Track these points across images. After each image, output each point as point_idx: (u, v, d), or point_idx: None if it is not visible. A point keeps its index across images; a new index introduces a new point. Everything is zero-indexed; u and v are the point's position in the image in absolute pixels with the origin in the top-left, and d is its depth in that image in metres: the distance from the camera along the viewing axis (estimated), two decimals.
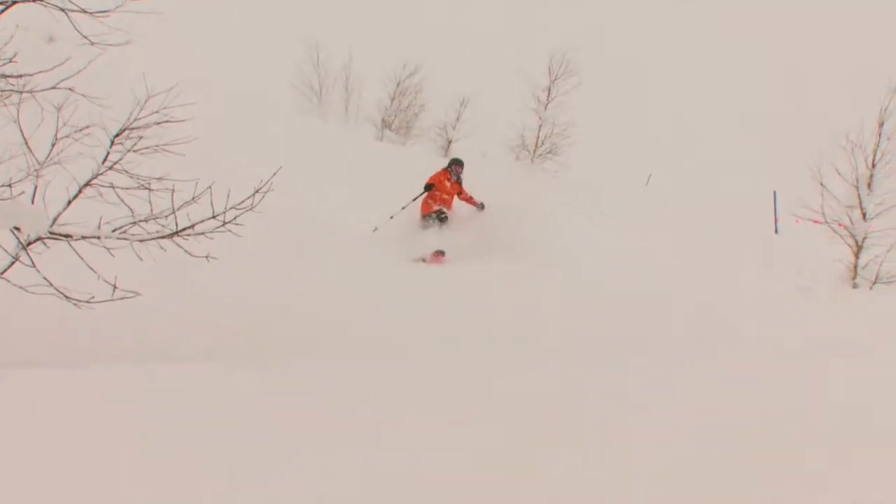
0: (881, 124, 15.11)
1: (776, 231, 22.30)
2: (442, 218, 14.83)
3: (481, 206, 15.30)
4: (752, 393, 5.20)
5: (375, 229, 13.93)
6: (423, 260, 13.77)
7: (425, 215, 14.93)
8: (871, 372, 6.03)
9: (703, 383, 5.61)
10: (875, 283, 14.30)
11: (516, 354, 7.67)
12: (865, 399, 5.02)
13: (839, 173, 15.09)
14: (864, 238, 14.72)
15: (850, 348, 7.95)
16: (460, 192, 15.46)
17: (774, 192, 22.99)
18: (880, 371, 6.13)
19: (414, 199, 14.87)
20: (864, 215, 14.77)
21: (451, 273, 12.62)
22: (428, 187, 14.84)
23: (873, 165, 14.95)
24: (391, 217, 14.26)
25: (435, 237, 14.37)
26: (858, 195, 14.85)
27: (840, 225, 14.92)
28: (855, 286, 14.58)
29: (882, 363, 6.58)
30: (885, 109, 15.15)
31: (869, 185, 14.86)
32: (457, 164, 15.67)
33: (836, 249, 14.95)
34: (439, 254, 13.98)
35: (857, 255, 14.78)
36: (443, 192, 15.11)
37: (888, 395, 5.26)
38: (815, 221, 15.16)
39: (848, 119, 15.35)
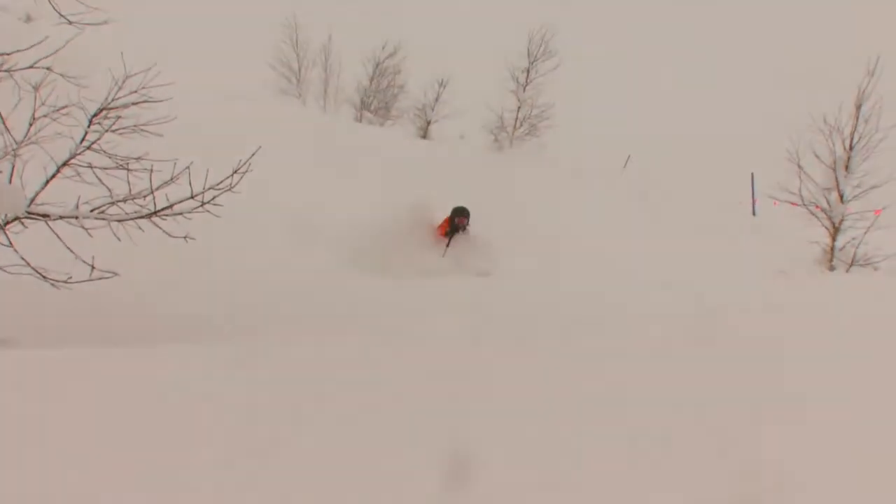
0: (858, 107, 15.21)
1: (753, 213, 22.48)
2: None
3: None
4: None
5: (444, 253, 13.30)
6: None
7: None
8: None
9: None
10: (852, 265, 14.43)
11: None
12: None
13: (817, 156, 15.19)
14: (842, 220, 14.84)
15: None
16: None
17: (752, 175, 23.16)
18: None
19: (447, 244, 13.61)
20: (841, 198, 14.87)
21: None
22: (455, 228, 13.59)
23: (851, 148, 15.04)
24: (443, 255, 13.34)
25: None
26: (836, 178, 14.95)
27: (817, 207, 15.02)
28: (832, 268, 14.71)
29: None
30: (864, 91, 15.25)
31: (846, 168, 14.96)
32: (461, 215, 13.72)
33: (813, 232, 15.08)
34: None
35: (833, 238, 14.90)
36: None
37: None
38: (793, 204, 15.26)
39: (825, 103, 15.47)
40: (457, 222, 13.65)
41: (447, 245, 13.52)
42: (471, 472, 3.35)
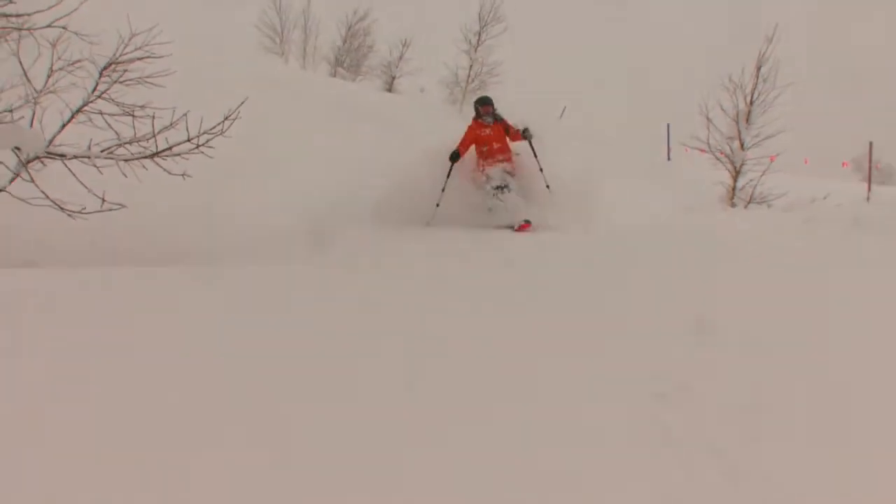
0: (759, 68, 15.49)
1: (668, 158, 22.82)
2: (502, 188, 10.16)
3: (528, 134, 10.40)
4: None
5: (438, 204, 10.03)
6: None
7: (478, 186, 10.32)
8: None
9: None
10: (749, 202, 14.82)
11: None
12: None
13: (723, 109, 15.49)
14: (742, 165, 15.21)
15: None
16: (508, 131, 10.55)
17: (668, 125, 23.44)
18: None
19: (448, 177, 10.15)
20: (742, 145, 15.22)
21: None
22: (454, 157, 10.20)
23: (751, 103, 15.35)
24: (437, 205, 9.96)
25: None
26: (738, 128, 15.28)
27: (722, 153, 15.36)
28: (733, 205, 15.07)
29: None
30: (763, 55, 15.50)
31: (747, 120, 15.28)
32: (484, 104, 10.65)
33: (718, 174, 15.45)
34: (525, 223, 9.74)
35: (735, 179, 15.27)
36: (489, 145, 10.48)
37: None
38: (702, 150, 15.61)
39: (731, 64, 15.72)
40: (482, 111, 10.60)
41: (447, 176, 10.23)
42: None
